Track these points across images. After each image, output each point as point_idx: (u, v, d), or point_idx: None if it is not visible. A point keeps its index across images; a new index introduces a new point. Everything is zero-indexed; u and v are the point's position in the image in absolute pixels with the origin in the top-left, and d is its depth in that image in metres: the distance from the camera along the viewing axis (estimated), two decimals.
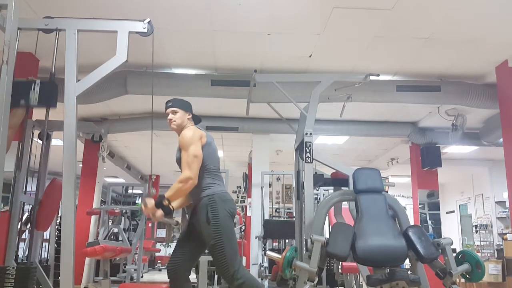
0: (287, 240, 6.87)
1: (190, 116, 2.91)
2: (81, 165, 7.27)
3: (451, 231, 11.09)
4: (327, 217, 3.71)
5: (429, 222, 8.10)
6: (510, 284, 7.28)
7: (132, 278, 6.63)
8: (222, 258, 2.59)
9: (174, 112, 2.86)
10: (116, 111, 6.71)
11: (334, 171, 3.54)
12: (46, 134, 3.37)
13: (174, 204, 2.65)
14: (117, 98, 5.38)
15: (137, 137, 7.71)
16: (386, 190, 4.11)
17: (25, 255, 6.25)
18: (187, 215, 2.91)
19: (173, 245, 3.14)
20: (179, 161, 2.77)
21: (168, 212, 2.63)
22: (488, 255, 9.07)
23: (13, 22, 2.46)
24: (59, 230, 4.24)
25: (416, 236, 2.77)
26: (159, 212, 2.61)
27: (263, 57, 4.84)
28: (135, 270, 6.79)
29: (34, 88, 2.64)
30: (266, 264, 6.28)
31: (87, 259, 6.56)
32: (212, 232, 2.59)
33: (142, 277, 7.41)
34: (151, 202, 2.60)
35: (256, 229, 6.72)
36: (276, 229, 6.37)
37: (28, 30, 2.66)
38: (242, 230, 7.68)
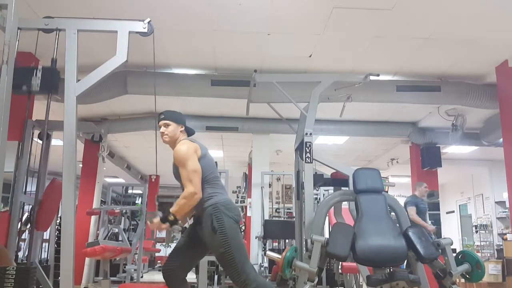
0: (287, 240, 6.86)
1: (183, 128, 2.86)
2: (81, 165, 7.27)
3: (451, 231, 11.09)
4: (327, 217, 3.71)
5: (429, 222, 8.09)
6: (510, 284, 7.28)
7: (132, 278, 6.63)
8: (233, 265, 2.57)
9: (166, 125, 2.83)
10: (116, 111, 6.71)
11: (334, 171, 3.53)
12: (46, 134, 3.37)
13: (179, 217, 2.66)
14: (117, 98, 5.38)
15: (137, 137, 7.72)
16: (386, 190, 4.11)
17: (25, 255, 6.24)
18: (187, 217, 2.91)
19: (173, 245, 3.15)
20: (177, 175, 2.75)
21: (174, 223, 2.63)
22: (488, 255, 9.06)
23: (13, 22, 2.46)
24: (59, 230, 4.24)
25: (416, 236, 2.77)
26: (165, 225, 2.60)
27: (263, 57, 4.84)
28: (135, 270, 6.79)
29: (36, 74, 2.64)
30: (266, 264, 6.28)
31: (87, 259, 6.55)
32: (220, 240, 2.57)
33: (142, 277, 7.41)
34: (157, 219, 2.61)
35: (256, 229, 6.72)
36: (276, 229, 6.37)
37: (28, 30, 2.67)
38: (242, 230, 7.68)
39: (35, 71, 2.66)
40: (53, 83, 2.71)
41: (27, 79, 2.64)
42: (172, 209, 2.61)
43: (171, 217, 2.58)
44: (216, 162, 3.37)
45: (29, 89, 2.64)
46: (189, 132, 2.93)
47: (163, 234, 15.36)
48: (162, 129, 2.84)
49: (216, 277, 5.88)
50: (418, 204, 6.22)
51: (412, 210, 6.17)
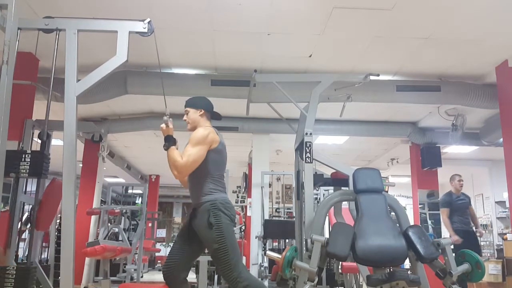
0: (287, 240, 6.87)
1: (202, 112, 2.87)
2: (81, 165, 7.27)
3: None
4: (327, 217, 3.71)
5: (429, 222, 8.08)
6: (510, 284, 7.27)
7: (132, 278, 6.63)
8: (226, 262, 2.58)
9: (187, 112, 2.90)
10: (116, 111, 6.71)
11: (334, 171, 3.53)
12: (46, 134, 3.36)
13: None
14: (117, 98, 5.38)
15: (137, 137, 7.72)
16: (386, 190, 4.11)
17: (25, 255, 6.24)
18: (186, 214, 2.92)
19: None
20: None
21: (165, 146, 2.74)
22: (488, 255, 9.06)
23: (13, 22, 2.46)
24: (59, 230, 4.25)
25: (416, 236, 2.77)
26: (165, 145, 2.70)
27: (263, 57, 4.84)
28: (135, 270, 6.79)
29: (24, 159, 2.61)
30: (266, 264, 6.28)
31: (87, 259, 6.56)
32: (215, 236, 2.59)
33: (142, 277, 7.42)
34: (171, 129, 2.73)
35: (256, 229, 6.72)
36: (276, 229, 6.37)
37: (28, 30, 2.66)
38: (242, 230, 7.68)
39: (23, 155, 2.63)
40: (42, 167, 2.67)
41: (15, 164, 2.59)
42: (173, 148, 2.67)
43: (164, 146, 2.69)
44: None
45: (17, 175, 2.60)
46: (213, 116, 2.95)
47: (163, 234, 15.39)
48: (184, 117, 2.91)
49: (216, 277, 5.88)
50: (453, 202, 5.79)
51: (443, 213, 5.80)
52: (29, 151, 2.65)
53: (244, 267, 2.65)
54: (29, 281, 2.56)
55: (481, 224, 9.75)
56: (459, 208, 5.77)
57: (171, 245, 2.87)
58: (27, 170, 2.60)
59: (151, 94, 5.24)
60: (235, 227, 7.26)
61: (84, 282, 6.55)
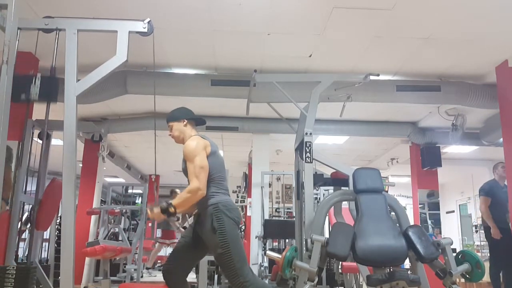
0: (287, 240, 6.87)
1: (186, 122, 2.89)
2: (81, 165, 7.28)
3: (451, 231, 11.09)
4: (327, 217, 3.72)
5: (429, 222, 8.08)
6: None
7: (132, 278, 6.63)
8: (231, 266, 2.56)
9: (170, 128, 2.90)
10: (116, 111, 6.72)
11: (334, 171, 3.54)
12: (46, 134, 3.37)
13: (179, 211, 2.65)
14: (117, 98, 5.38)
15: (137, 137, 7.72)
16: (386, 190, 4.11)
17: (25, 255, 6.24)
18: (187, 215, 2.91)
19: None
20: (185, 171, 2.76)
21: (172, 215, 2.64)
22: (488, 255, 9.05)
23: (13, 22, 2.46)
24: (59, 230, 4.25)
25: (416, 236, 2.77)
26: (164, 215, 2.61)
27: (263, 57, 4.84)
28: (135, 270, 6.79)
29: (34, 83, 2.65)
30: (266, 264, 6.29)
31: (87, 259, 6.56)
32: (218, 241, 2.57)
33: (142, 277, 7.41)
34: (157, 209, 2.61)
35: (256, 229, 6.72)
36: (276, 229, 6.37)
37: (28, 30, 2.67)
38: (242, 230, 7.68)
39: (34, 79, 2.66)
40: (52, 91, 2.71)
41: (25, 88, 2.64)
42: (174, 201, 2.60)
43: (171, 209, 2.58)
44: None
45: (27, 97, 2.63)
46: (197, 122, 2.97)
47: None
48: (169, 132, 2.91)
49: (216, 277, 5.88)
50: (496, 192, 5.05)
51: (483, 202, 5.06)
52: (39, 75, 2.69)
53: (250, 270, 2.63)
54: (29, 281, 2.56)
55: (481, 224, 9.76)
56: (499, 200, 4.96)
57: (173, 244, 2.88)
58: (37, 93, 2.65)
59: (151, 94, 5.23)
60: (241, 227, 7.29)
61: (84, 282, 6.55)
